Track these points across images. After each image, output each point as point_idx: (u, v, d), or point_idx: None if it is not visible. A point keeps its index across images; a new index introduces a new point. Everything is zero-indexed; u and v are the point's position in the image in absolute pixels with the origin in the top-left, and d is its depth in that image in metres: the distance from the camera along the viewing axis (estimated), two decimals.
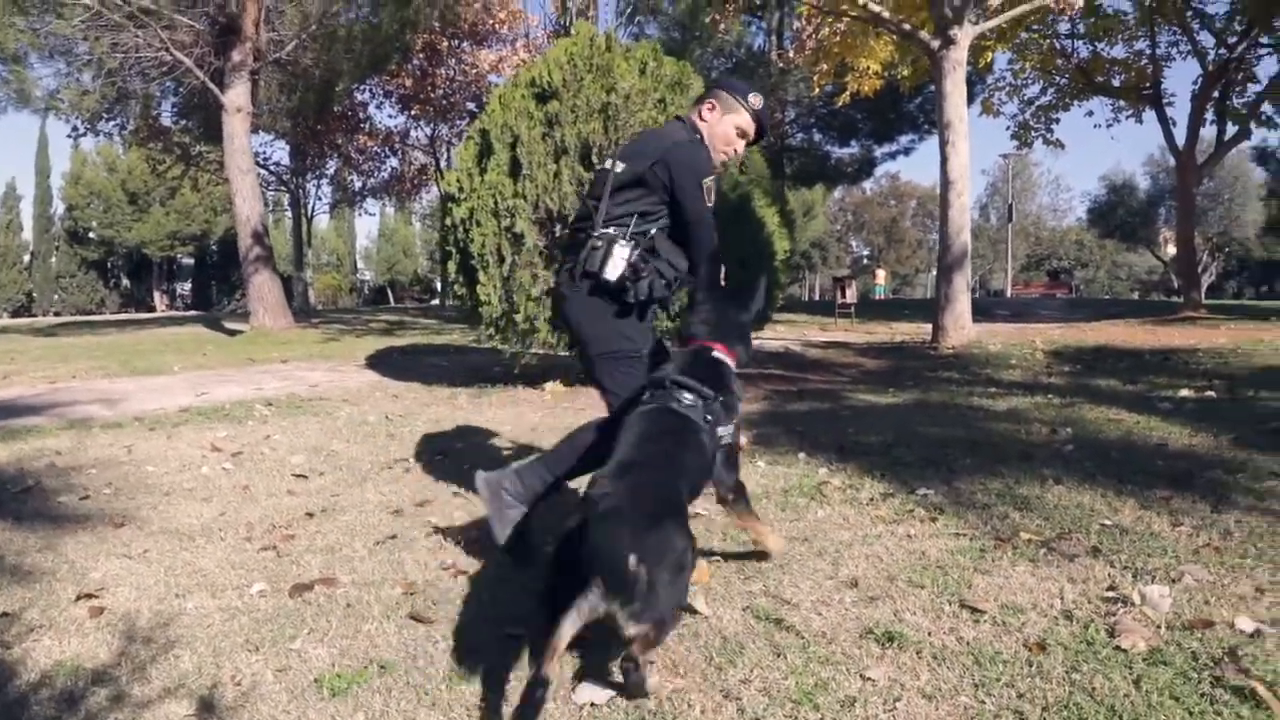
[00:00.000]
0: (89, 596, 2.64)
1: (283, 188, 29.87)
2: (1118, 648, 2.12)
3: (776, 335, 12.37)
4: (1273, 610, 2.32)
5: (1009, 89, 18.21)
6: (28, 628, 2.42)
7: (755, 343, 10.17)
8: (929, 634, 2.24)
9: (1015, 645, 2.17)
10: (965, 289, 9.81)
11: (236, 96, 14.52)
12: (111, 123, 18.68)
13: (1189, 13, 16.20)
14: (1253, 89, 16.58)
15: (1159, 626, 2.24)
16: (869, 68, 15.44)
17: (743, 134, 3.00)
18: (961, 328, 9.54)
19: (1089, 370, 7.48)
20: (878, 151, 27.56)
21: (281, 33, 15.34)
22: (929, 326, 10.48)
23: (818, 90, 17.68)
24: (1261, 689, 1.87)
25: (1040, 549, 2.86)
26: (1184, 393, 6.00)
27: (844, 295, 15.79)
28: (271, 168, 28.05)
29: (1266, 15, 14.70)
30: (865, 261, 57.47)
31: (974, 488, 3.66)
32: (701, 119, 3.00)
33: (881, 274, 40.40)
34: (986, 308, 21.03)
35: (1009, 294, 42.51)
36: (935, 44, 9.89)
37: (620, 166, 2.87)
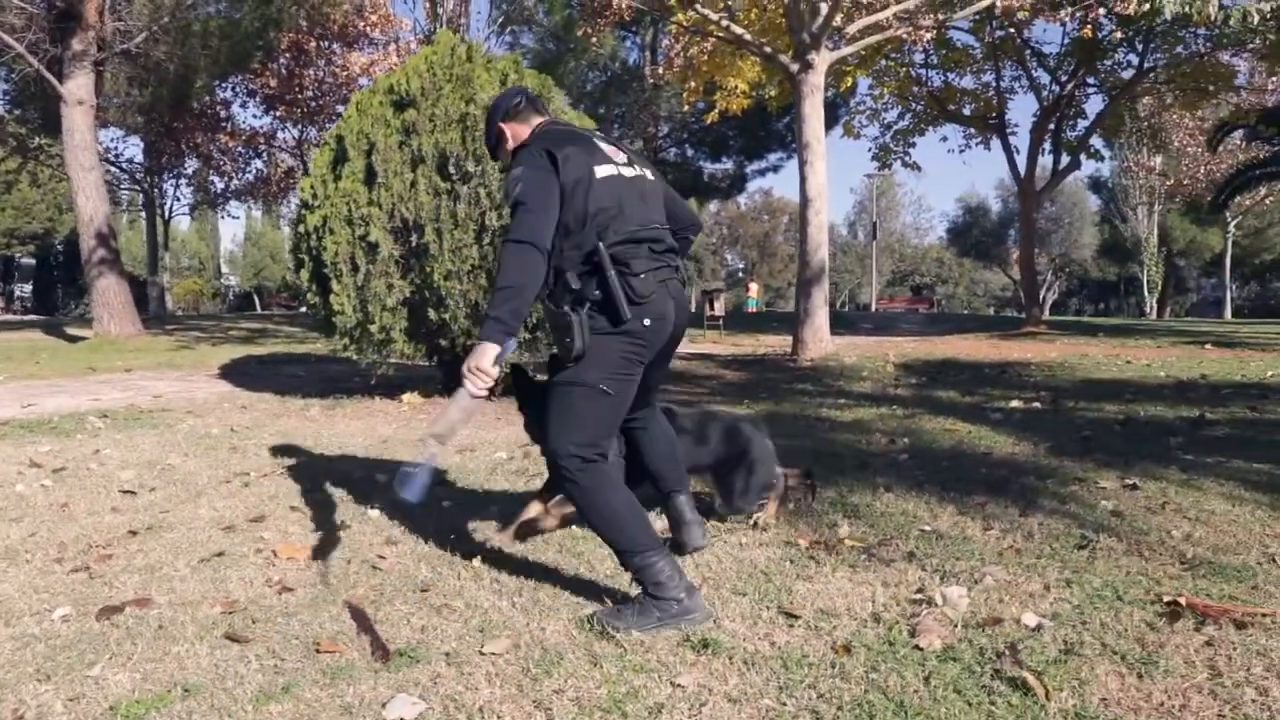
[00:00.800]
0: None
1: (136, 187, 28.20)
2: (916, 647, 2.26)
3: None
4: (1055, 605, 2.52)
5: (869, 113, 19.09)
6: None
7: None
8: (743, 640, 2.32)
9: (823, 649, 2.27)
10: (824, 303, 10.20)
11: (77, 88, 13.63)
12: None
13: (1027, 51, 17.41)
14: (1082, 123, 17.97)
15: (955, 625, 2.40)
16: (737, 87, 15.89)
17: None
18: (820, 341, 9.92)
19: (933, 382, 7.91)
20: (749, 168, 28.39)
21: (130, 23, 14.50)
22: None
23: (688, 107, 18.07)
24: (1031, 678, 2.03)
25: (861, 555, 3.02)
26: (1014, 404, 6.43)
27: (713, 308, 16.16)
28: (124, 165, 26.46)
29: (1090, 58, 15.96)
30: (740, 275, 58.90)
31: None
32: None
33: (754, 287, 41.42)
34: (852, 321, 21.95)
35: (874, 308, 44.41)
36: (795, 68, 10.28)
37: (650, 173, 2.71)
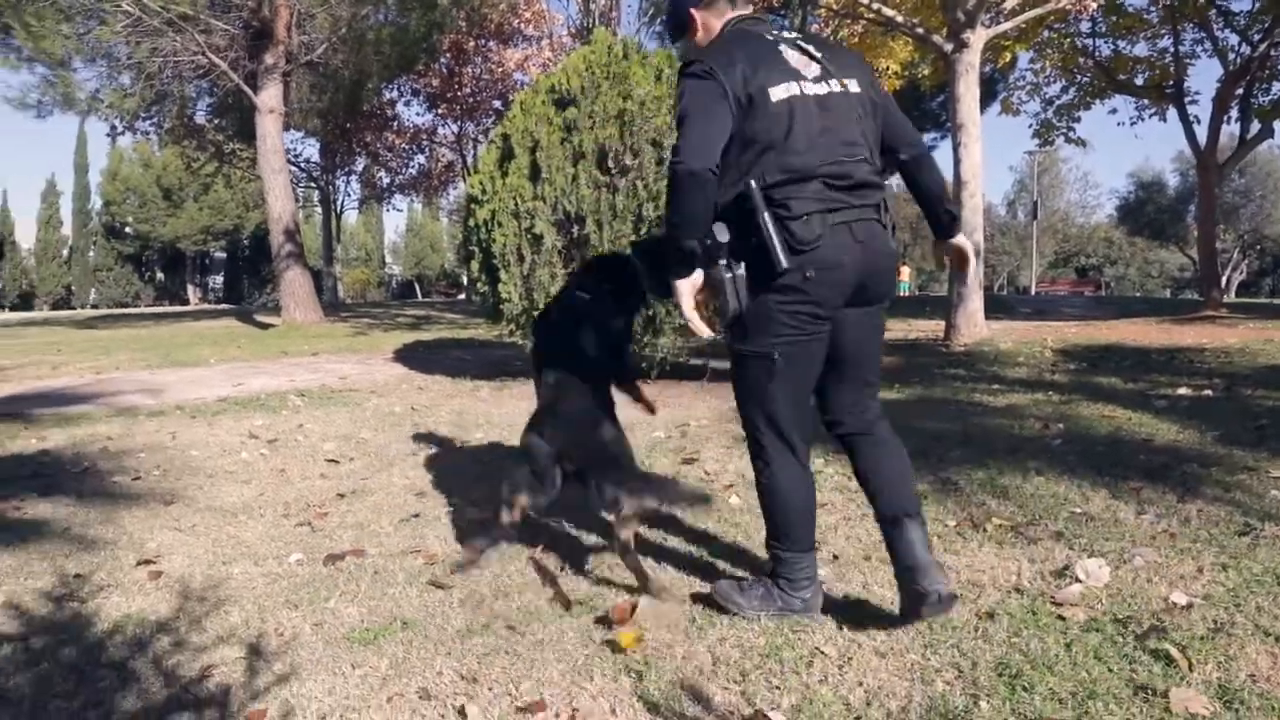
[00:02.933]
0: (147, 562, 2.98)
1: (313, 184, 30.43)
2: (1060, 617, 2.37)
3: None
4: (1208, 587, 2.56)
5: (1030, 88, 18.23)
6: (97, 587, 2.75)
7: None
8: (892, 603, 2.50)
9: (968, 614, 2.42)
10: (978, 287, 9.98)
11: (269, 98, 14.96)
12: (149, 122, 19.26)
13: (1212, 11, 16.15)
14: (1277, 86, 16.51)
15: (1100, 599, 2.49)
16: (889, 68, 15.59)
17: None
18: (974, 325, 9.71)
19: (1094, 368, 7.65)
20: None
21: (312, 36, 15.78)
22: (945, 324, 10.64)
23: None
24: (1175, 651, 2.12)
25: (1009, 533, 3.11)
26: (1182, 390, 6.17)
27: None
28: (302, 165, 28.60)
29: None
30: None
31: (959, 477, 3.90)
32: None
33: (906, 271, 40.33)
34: (1010, 305, 21.04)
35: (1034, 291, 42.28)
36: (948, 47, 10.05)
37: (856, 84, 2.26)
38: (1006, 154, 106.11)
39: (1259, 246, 44.69)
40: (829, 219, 2.12)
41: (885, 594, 2.57)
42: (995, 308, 17.06)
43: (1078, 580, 2.61)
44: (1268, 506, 3.33)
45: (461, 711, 1.96)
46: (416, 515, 3.58)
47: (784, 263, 2.09)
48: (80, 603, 2.61)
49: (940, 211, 2.40)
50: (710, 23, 2.36)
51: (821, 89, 2.19)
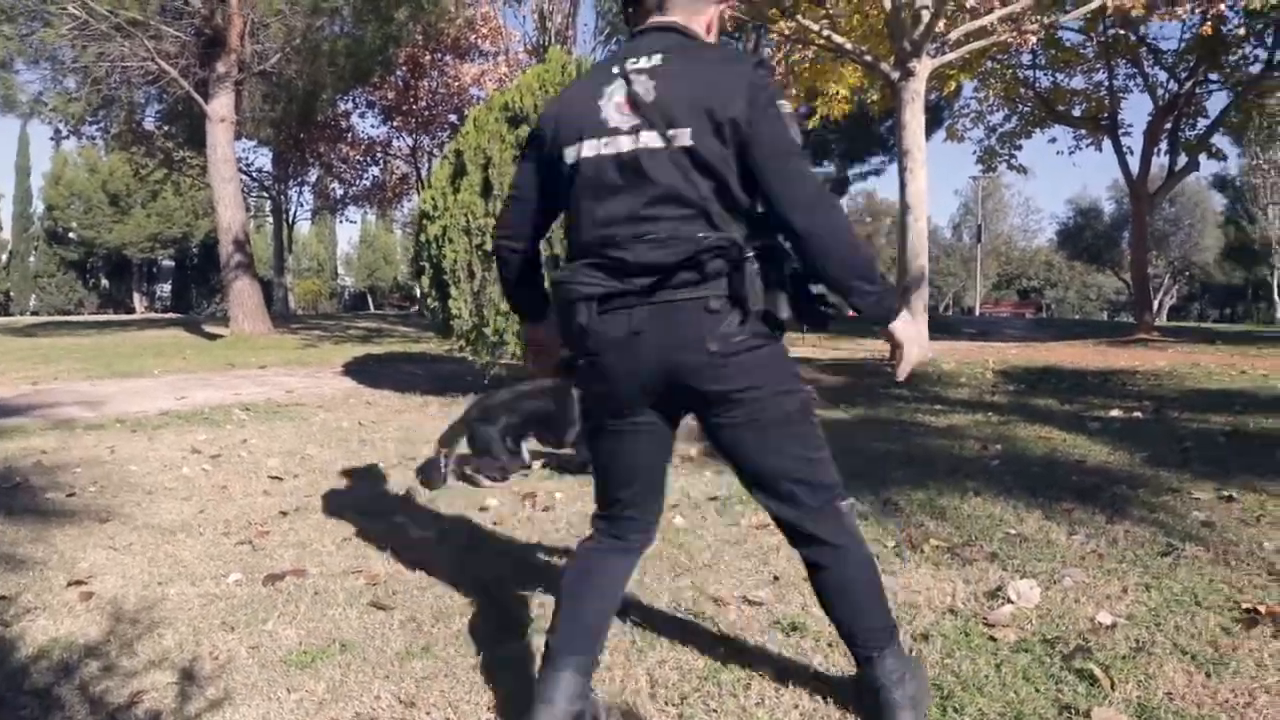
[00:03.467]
0: (79, 583, 2.91)
1: (265, 193, 29.99)
2: (990, 638, 2.44)
3: None
4: (1131, 607, 2.65)
5: (974, 115, 18.73)
6: (24, 609, 2.68)
7: None
8: (829, 625, 2.54)
9: (904, 636, 2.47)
10: (923, 310, 10.20)
11: (220, 106, 14.75)
12: (95, 126, 18.83)
13: (1143, 49, 16.79)
14: (1203, 122, 17.20)
15: (1030, 620, 2.57)
16: (838, 92, 15.87)
17: None
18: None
19: (1032, 390, 7.87)
20: (850, 171, 28.14)
21: (266, 45, 15.61)
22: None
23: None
24: (1099, 671, 2.20)
25: (945, 554, 3.19)
26: (1114, 413, 6.38)
27: None
28: (254, 174, 28.18)
29: (1214, 54, 15.30)
30: None
31: (899, 497, 3.98)
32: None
33: None
34: (954, 326, 21.53)
35: (978, 312, 43.23)
36: (895, 75, 10.30)
37: (685, 137, 1.74)
38: (952, 178, 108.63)
39: (1188, 272, 46.33)
40: (593, 307, 1.78)
41: (822, 615, 2.62)
42: (941, 329, 17.42)
43: (1010, 601, 2.69)
44: (1189, 527, 3.46)
45: None
46: (360, 534, 3.54)
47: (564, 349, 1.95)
48: (4, 626, 2.54)
49: (849, 300, 1.84)
50: None
51: (626, 145, 1.76)
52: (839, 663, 2.30)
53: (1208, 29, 12.40)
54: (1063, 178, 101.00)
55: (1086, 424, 5.95)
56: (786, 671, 2.25)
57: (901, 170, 10.35)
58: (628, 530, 1.99)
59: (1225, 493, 3.98)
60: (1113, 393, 7.55)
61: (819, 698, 2.12)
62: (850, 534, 1.97)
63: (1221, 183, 42.25)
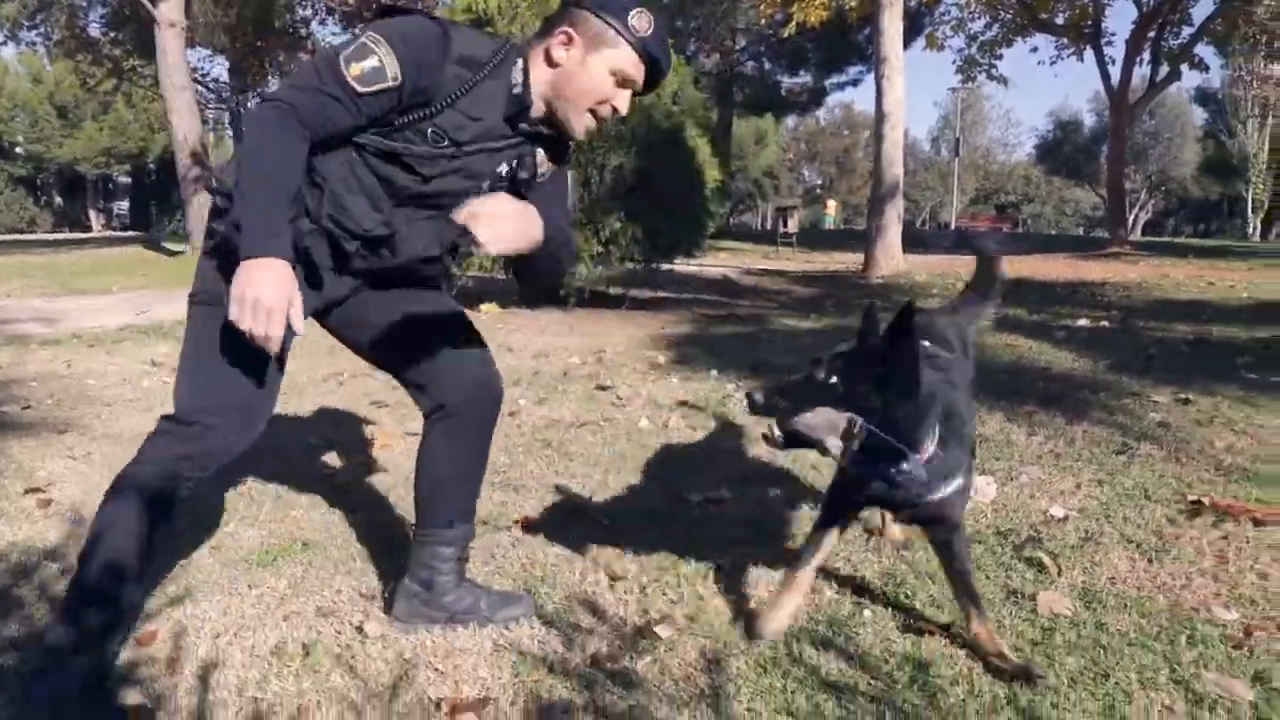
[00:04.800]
0: (36, 490, 2.88)
1: (222, 105, 29.00)
2: None
3: (718, 263, 12.69)
4: (1083, 501, 2.71)
5: (955, 23, 18.37)
6: None
7: (693, 269, 10.23)
8: (788, 518, 2.58)
9: (858, 531, 2.52)
10: (897, 220, 10.17)
11: (169, 10, 14.10)
12: (34, 32, 17.97)
13: None
14: (1186, 31, 16.96)
15: (986, 514, 2.62)
16: None
17: (625, 82, 1.79)
18: (891, 258, 9.92)
19: (1002, 300, 7.90)
20: (827, 81, 27.65)
21: None
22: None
23: (764, 20, 17.67)
24: (1047, 559, 2.25)
25: None
26: (1081, 322, 6.44)
27: (786, 225, 16.11)
28: (210, 84, 27.18)
29: None
30: (817, 191, 57.74)
31: None
32: (551, 61, 1.79)
33: (832, 204, 40.81)
34: (930, 240, 21.52)
35: (954, 227, 43.22)
36: None
37: None
38: (931, 89, 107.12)
39: (1165, 188, 46.38)
40: None
41: (782, 510, 2.66)
42: (916, 242, 17.40)
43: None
44: (1145, 428, 3.53)
45: (360, 629, 1.96)
46: (325, 440, 3.53)
47: None
48: None
49: None
50: None
51: None
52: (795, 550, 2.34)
53: None
54: (1044, 89, 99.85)
55: (1054, 333, 6.00)
56: (744, 562, 2.28)
57: (878, 78, 10.17)
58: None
59: (1183, 396, 4.04)
60: (1082, 303, 7.62)
61: (775, 585, 2.15)
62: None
63: (1203, 96, 41.94)
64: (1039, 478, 2.93)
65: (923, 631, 1.91)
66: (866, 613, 2.01)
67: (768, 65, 27.37)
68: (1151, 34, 16.74)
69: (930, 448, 1.73)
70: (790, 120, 50.82)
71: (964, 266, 10.86)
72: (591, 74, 1.77)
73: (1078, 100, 70.13)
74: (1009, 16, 18.35)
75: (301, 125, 1.62)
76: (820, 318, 6.90)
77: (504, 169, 1.85)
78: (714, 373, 4.74)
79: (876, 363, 1.68)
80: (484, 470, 2.07)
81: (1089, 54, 17.99)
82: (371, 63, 1.64)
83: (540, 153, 1.90)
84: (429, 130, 1.74)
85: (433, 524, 2.00)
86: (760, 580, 2.19)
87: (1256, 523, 2.50)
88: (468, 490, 2.03)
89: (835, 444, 1.66)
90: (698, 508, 2.70)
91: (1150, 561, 2.26)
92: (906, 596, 2.09)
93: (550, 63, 1.78)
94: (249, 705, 1.69)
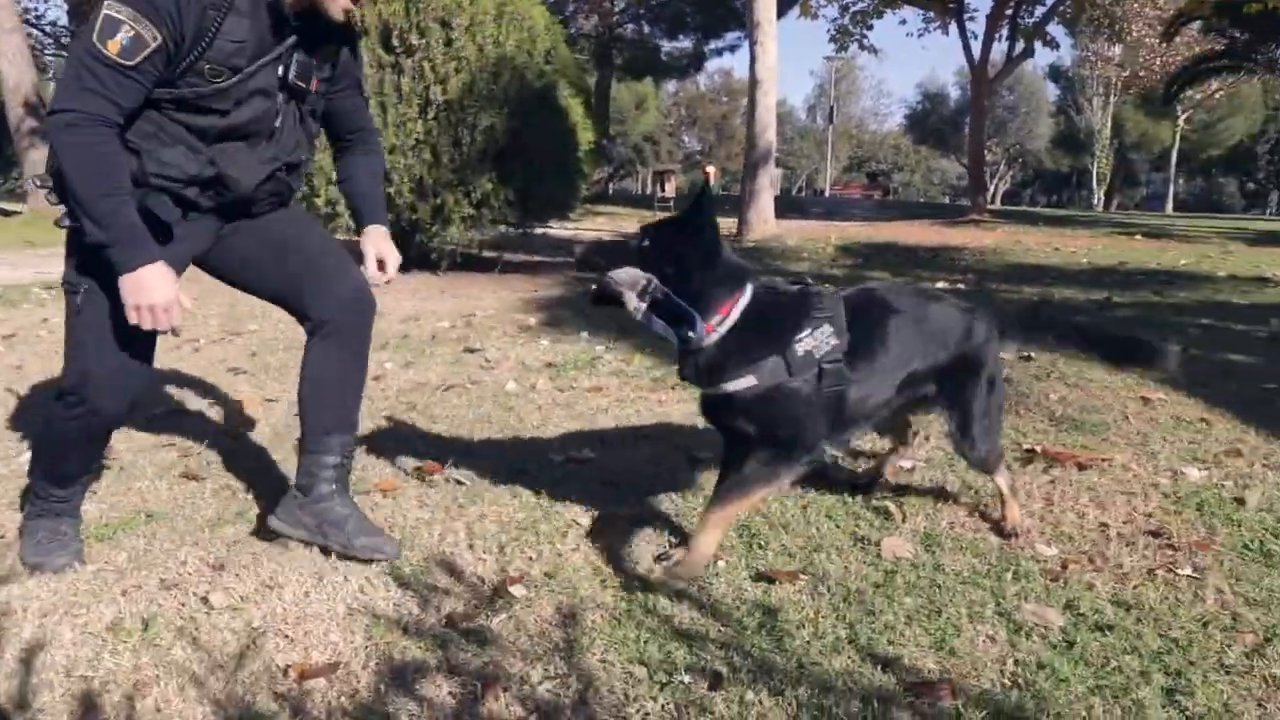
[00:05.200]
0: None
1: (62, 52, 26.76)
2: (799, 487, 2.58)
3: (596, 227, 12.63)
4: (931, 452, 2.86)
5: None
6: None
7: (569, 232, 10.16)
8: (648, 477, 2.63)
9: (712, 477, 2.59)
10: (769, 185, 10.36)
11: None
12: None
13: None
14: (1040, 9, 17.83)
15: (835, 461, 2.72)
16: None
17: None
18: (764, 222, 10.12)
19: (868, 263, 8.22)
20: (707, 47, 27.77)
21: None
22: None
23: None
24: (893, 507, 2.37)
25: None
26: (940, 284, 6.74)
27: (664, 189, 16.21)
28: (46, 28, 25.05)
29: None
30: (697, 157, 58.17)
31: None
32: None
33: (712, 170, 41.13)
34: (804, 205, 22.08)
35: (828, 193, 44.44)
36: None
37: None
38: (808, 59, 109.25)
39: (1021, 159, 49.00)
40: None
41: (645, 468, 2.70)
42: (790, 208, 17.84)
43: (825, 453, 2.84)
44: None
45: (205, 599, 1.89)
46: (175, 408, 3.36)
47: None
48: None
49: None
50: None
51: None
52: (660, 506, 2.39)
53: None
54: (913, 61, 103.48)
55: None
56: (603, 519, 2.31)
57: (752, 44, 10.28)
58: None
59: (1025, 353, 4.29)
60: (942, 266, 7.99)
61: (631, 540, 2.19)
62: None
63: (1056, 73, 44.38)
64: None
65: (773, 579, 1.98)
66: (721, 563, 2.07)
67: (647, 28, 27.27)
68: (1009, 11, 17.52)
69: (721, 328, 1.88)
70: (670, 85, 50.92)
71: (834, 232, 11.23)
72: None
73: (944, 73, 72.94)
74: None
75: (100, 124, 1.69)
76: None
77: (280, 72, 1.89)
78: (584, 335, 4.75)
79: (685, 234, 1.89)
80: (363, 381, 2.16)
81: (954, 28, 18.69)
82: (125, 34, 1.66)
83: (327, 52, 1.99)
84: (205, 69, 1.77)
85: (314, 433, 2.08)
86: (618, 534, 2.22)
87: (1080, 467, 2.71)
88: (349, 401, 2.12)
89: (633, 300, 1.87)
90: (559, 467, 2.71)
91: (985, 506, 2.41)
92: (760, 546, 2.16)
93: None
94: (77, 685, 1.60)
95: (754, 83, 10.14)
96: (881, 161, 60.10)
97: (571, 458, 2.79)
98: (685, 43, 28.29)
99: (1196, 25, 19.93)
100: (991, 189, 44.86)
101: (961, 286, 6.69)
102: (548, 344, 4.52)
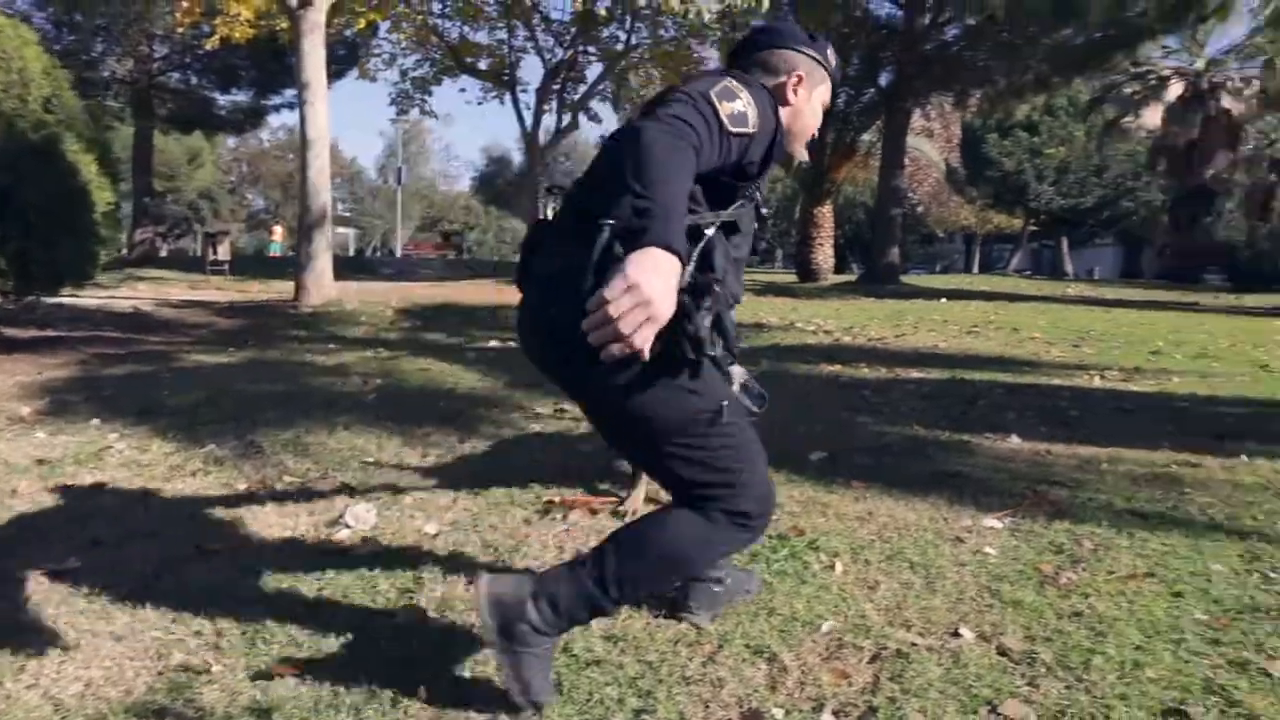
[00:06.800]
0: None
1: None
2: (321, 566, 2.50)
3: (135, 294, 11.26)
4: (457, 514, 2.94)
5: (387, 58, 18.92)
6: None
7: (98, 302, 9.03)
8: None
9: (229, 567, 2.43)
10: (326, 249, 10.06)
11: None
12: None
13: (536, 15, 18.59)
14: (583, 87, 19.77)
15: (370, 541, 2.70)
16: (240, 14, 14.67)
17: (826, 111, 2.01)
18: (322, 287, 9.79)
19: (427, 325, 8.33)
20: (266, 102, 26.37)
21: None
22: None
23: (182, 29, 16.25)
24: (412, 581, 2.40)
25: (297, 489, 3.20)
26: (492, 343, 7.07)
27: (216, 251, 14.96)
28: None
29: (588, 28, 17.60)
30: (263, 217, 54.73)
31: (265, 439, 3.88)
32: (785, 100, 1.86)
33: (279, 230, 39.07)
34: (374, 266, 21.75)
35: (401, 254, 44.45)
36: (293, 2, 9.85)
37: None
38: (377, 119, 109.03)
39: None
40: None
41: (136, 569, 2.44)
42: (360, 269, 17.54)
43: (347, 526, 2.80)
44: (522, 436, 4.00)
45: None
46: None
47: None
48: None
49: None
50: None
51: None
52: (147, 617, 2.16)
53: (577, 4, 14.11)
54: (480, 126, 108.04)
55: (465, 354, 6.49)
56: (82, 638, 2.04)
57: (302, 104, 9.98)
58: None
59: (560, 406, 4.64)
60: (498, 325, 8.35)
61: (121, 658, 1.96)
62: None
63: None
64: (422, 497, 3.12)
65: (272, 675, 1.89)
66: (215, 667, 1.93)
67: (194, 79, 25.15)
68: (556, 86, 19.14)
69: None
70: (231, 140, 47.47)
71: (397, 294, 11.21)
72: (816, 110, 1.93)
73: (507, 139, 77.26)
74: (438, 57, 19.44)
75: (693, 149, 1.51)
76: (237, 351, 6.53)
77: None
78: (96, 421, 4.19)
79: None
80: None
81: (509, 98, 19.91)
82: (739, 106, 1.61)
83: None
84: (755, 193, 1.76)
85: None
86: (107, 655, 1.97)
87: (592, 512, 2.98)
88: None
89: None
90: (35, 581, 2.35)
91: (504, 560, 2.54)
92: (265, 641, 2.05)
93: (784, 102, 1.84)
94: None
95: (305, 143, 9.83)
96: (454, 221, 61.58)
97: (52, 571, 2.42)
98: (241, 96, 26.58)
99: None
100: None
101: (513, 344, 7.06)
102: (44, 436, 3.91)
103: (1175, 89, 26.87)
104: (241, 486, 3.23)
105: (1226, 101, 26.35)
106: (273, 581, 2.37)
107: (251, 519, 2.87)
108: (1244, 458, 3.68)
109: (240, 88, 26.22)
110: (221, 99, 26.89)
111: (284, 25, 15.74)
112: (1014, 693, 1.81)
